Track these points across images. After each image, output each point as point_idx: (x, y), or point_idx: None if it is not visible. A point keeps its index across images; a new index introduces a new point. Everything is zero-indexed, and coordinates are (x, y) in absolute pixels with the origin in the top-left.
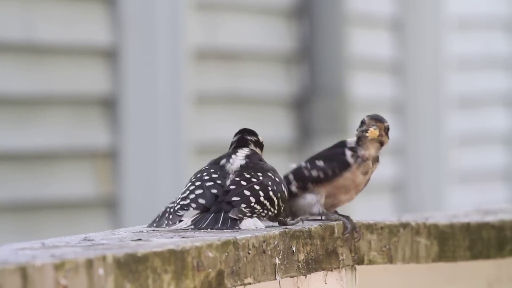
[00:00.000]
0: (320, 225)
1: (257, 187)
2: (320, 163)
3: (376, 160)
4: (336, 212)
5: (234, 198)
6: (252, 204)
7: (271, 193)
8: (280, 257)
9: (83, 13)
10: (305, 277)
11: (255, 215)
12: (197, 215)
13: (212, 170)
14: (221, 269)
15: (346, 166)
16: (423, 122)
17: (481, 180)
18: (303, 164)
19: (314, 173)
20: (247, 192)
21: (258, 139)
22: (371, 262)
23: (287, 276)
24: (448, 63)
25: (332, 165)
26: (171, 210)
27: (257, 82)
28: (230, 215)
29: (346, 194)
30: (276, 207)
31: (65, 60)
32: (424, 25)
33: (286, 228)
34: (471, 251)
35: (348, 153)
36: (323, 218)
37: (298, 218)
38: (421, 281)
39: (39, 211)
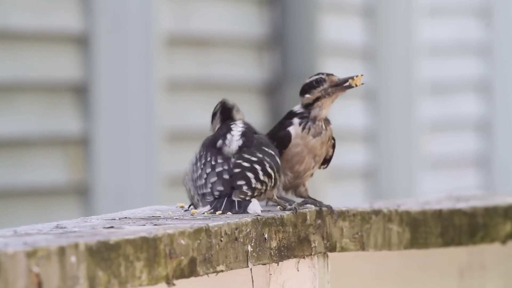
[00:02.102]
0: (292, 212)
1: (257, 167)
2: None
3: (328, 122)
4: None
5: (239, 182)
6: (253, 185)
7: (269, 169)
8: (252, 244)
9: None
10: (278, 264)
11: (256, 194)
12: (213, 200)
13: (215, 155)
14: (193, 257)
15: (287, 142)
16: (394, 108)
17: (453, 167)
18: None
19: None
20: (250, 174)
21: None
22: (343, 249)
23: (259, 264)
24: (420, 49)
25: (274, 145)
26: (199, 196)
27: (229, 68)
28: (232, 197)
29: (301, 164)
30: (273, 180)
31: (37, 47)
32: (396, 11)
33: (258, 215)
34: (443, 237)
35: (296, 121)
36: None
37: (293, 206)
38: (394, 268)
39: (11, 198)
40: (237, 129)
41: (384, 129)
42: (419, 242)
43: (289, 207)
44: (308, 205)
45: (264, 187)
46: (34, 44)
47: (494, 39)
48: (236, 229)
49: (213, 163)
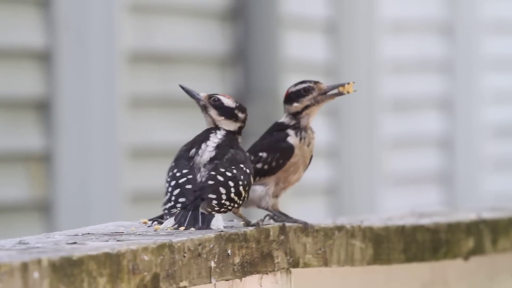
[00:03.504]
0: (255, 228)
1: (231, 183)
2: (263, 154)
3: (311, 129)
4: (282, 214)
5: (210, 196)
6: (223, 201)
7: (241, 188)
8: (215, 260)
9: (16, 15)
10: (241, 280)
11: (222, 210)
12: (178, 213)
13: (182, 165)
14: (156, 273)
15: (290, 153)
16: (357, 125)
17: (415, 183)
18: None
19: (259, 165)
20: (222, 190)
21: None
22: (306, 265)
23: (222, 279)
24: (382, 66)
25: (276, 156)
26: (166, 212)
27: (192, 85)
28: (200, 209)
29: (295, 174)
30: (242, 199)
31: None
32: (358, 28)
33: (222, 231)
34: (406, 254)
35: (291, 132)
36: (272, 218)
37: (255, 221)
38: (356, 284)
39: None
40: (214, 140)
41: (346, 146)
42: (382, 258)
43: (252, 222)
44: (281, 219)
45: (232, 205)
46: None
47: (456, 57)
48: (199, 245)
49: (177, 174)
